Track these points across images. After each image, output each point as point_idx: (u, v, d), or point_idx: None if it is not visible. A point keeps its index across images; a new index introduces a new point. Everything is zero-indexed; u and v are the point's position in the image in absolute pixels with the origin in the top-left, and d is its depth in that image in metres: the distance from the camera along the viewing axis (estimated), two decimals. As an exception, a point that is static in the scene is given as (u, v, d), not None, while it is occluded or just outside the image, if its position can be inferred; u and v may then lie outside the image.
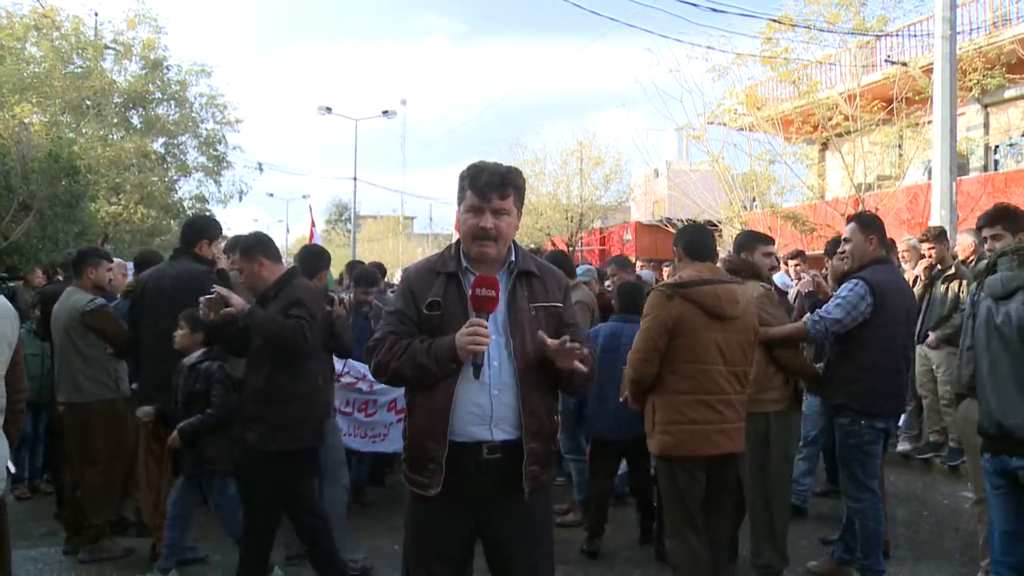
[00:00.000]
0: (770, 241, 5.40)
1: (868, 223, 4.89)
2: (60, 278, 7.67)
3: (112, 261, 5.94)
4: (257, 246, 4.62)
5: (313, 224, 13.73)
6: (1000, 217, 4.54)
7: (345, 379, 6.13)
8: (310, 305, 4.40)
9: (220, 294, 4.43)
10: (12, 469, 3.96)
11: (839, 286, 4.94)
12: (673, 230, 19.62)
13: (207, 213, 25.29)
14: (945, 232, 7.67)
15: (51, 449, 6.95)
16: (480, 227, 2.83)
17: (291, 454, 4.38)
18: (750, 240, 5.25)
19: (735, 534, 5.13)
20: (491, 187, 2.83)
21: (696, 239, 4.35)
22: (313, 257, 5.74)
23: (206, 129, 25.36)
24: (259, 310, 4.34)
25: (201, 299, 4.60)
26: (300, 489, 4.51)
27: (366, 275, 7.07)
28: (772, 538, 4.75)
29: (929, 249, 7.29)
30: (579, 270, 7.65)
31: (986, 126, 17.11)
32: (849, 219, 5.13)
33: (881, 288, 4.62)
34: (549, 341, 2.79)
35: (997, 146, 16.97)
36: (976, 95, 15.28)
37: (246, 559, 4.45)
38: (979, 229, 4.76)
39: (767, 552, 4.73)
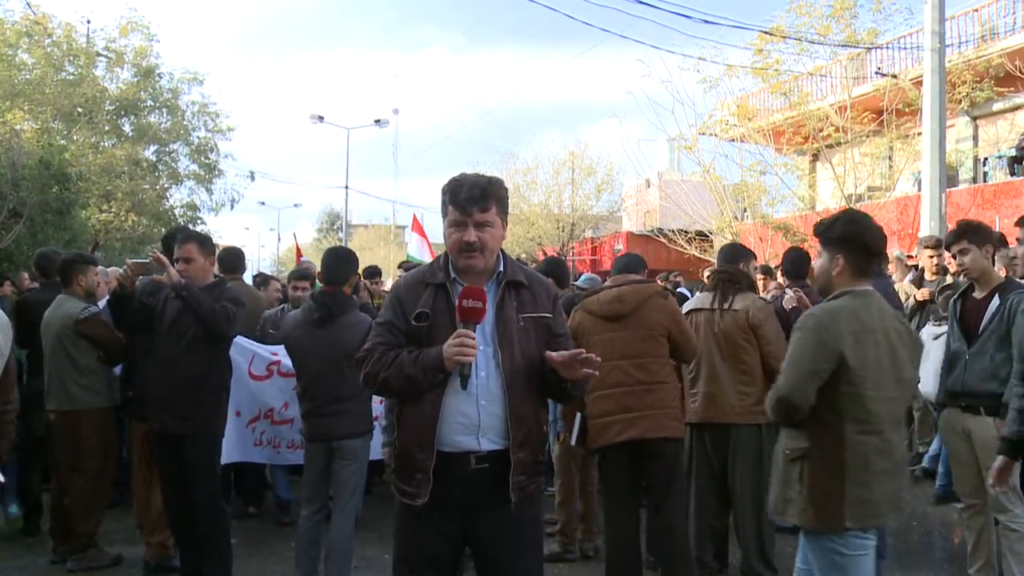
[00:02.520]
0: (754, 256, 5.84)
1: None
2: (37, 284, 7.56)
3: (96, 265, 5.93)
4: (212, 245, 5.04)
5: (299, 253, 13.53)
6: (964, 232, 4.60)
7: None
8: (242, 305, 4.91)
9: (158, 259, 4.62)
10: (2, 479, 3.94)
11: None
12: (665, 240, 19.79)
13: (199, 221, 25.32)
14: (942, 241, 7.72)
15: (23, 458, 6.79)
16: (464, 241, 2.85)
17: (217, 436, 4.86)
18: (743, 253, 5.52)
19: (724, 543, 5.14)
20: (471, 201, 2.84)
21: (621, 261, 5.00)
22: (340, 262, 4.90)
23: (198, 137, 25.29)
24: (195, 287, 4.65)
25: (128, 260, 4.81)
26: (216, 471, 4.97)
27: (299, 272, 7.07)
28: (761, 548, 4.77)
29: (931, 257, 7.36)
30: (582, 279, 7.68)
31: (975, 138, 17.22)
32: None
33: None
34: (556, 357, 2.80)
35: (986, 158, 17.09)
36: (965, 107, 15.40)
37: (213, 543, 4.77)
38: (947, 247, 4.80)
39: (756, 562, 4.75)
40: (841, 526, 3.08)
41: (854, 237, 3.25)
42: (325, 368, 4.63)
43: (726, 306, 4.85)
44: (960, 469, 4.65)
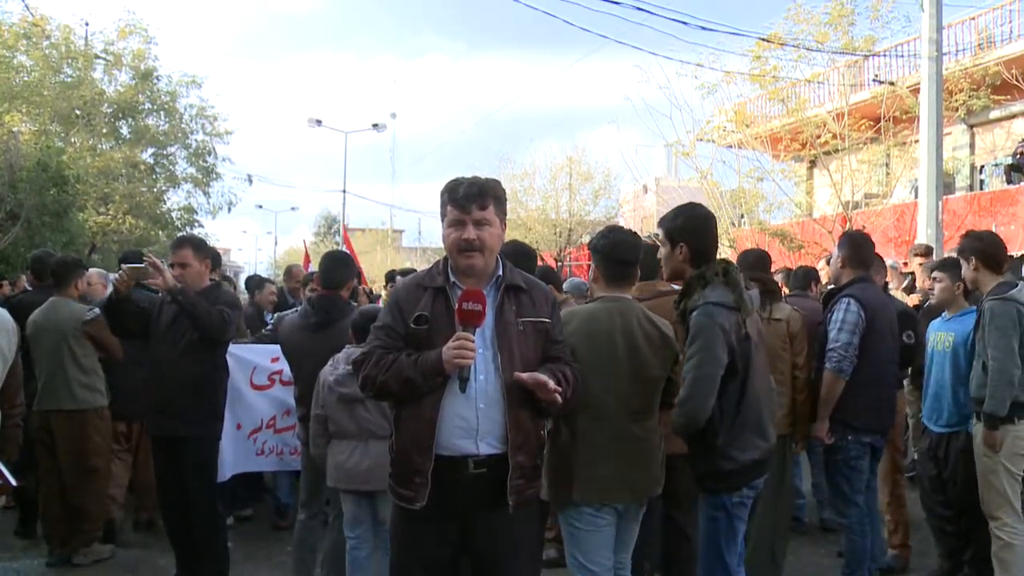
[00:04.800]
0: None
1: (842, 243, 5.00)
2: (29, 286, 7.54)
3: (86, 269, 5.98)
4: (208, 248, 5.06)
5: (308, 259, 13.71)
6: (960, 250, 4.78)
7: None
8: (238, 309, 4.93)
9: (154, 264, 4.60)
10: (13, 483, 3.95)
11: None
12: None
13: (196, 224, 25.32)
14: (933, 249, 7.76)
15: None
16: (463, 239, 2.86)
17: (214, 439, 4.87)
18: (767, 260, 5.50)
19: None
20: (470, 198, 2.86)
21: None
22: (338, 266, 4.86)
23: (196, 140, 25.29)
24: (190, 292, 4.65)
25: (124, 266, 4.81)
26: (213, 474, 4.93)
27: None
28: (772, 556, 4.77)
29: (922, 264, 7.40)
30: (566, 284, 7.65)
31: (972, 146, 17.26)
32: (842, 236, 5.23)
33: (869, 304, 4.69)
34: (525, 378, 2.82)
35: (983, 166, 17.12)
36: (962, 115, 15.41)
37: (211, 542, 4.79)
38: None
39: (767, 567, 4.73)
40: (569, 500, 3.43)
41: (600, 248, 3.63)
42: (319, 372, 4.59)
43: (766, 315, 4.68)
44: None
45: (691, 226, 3.62)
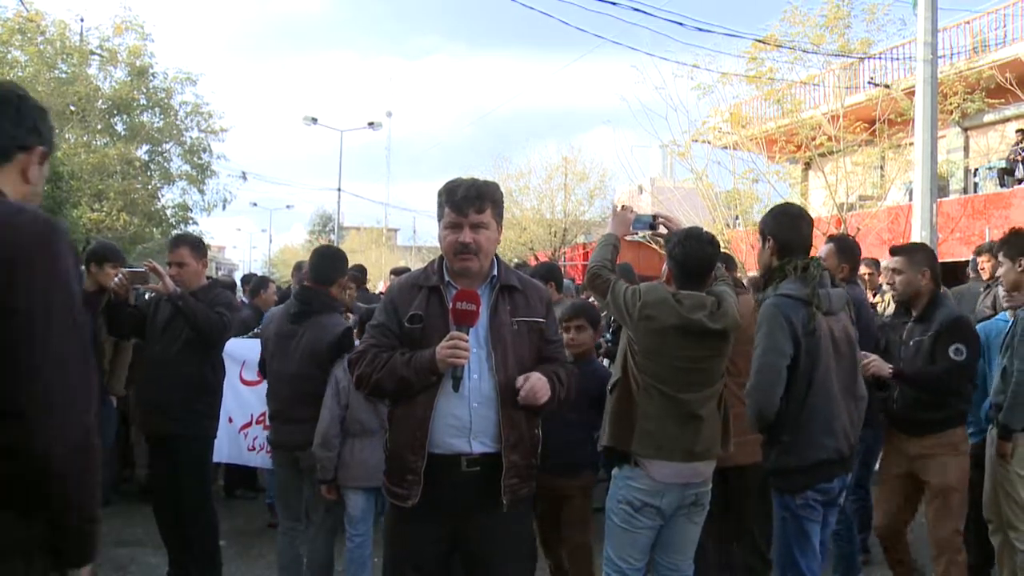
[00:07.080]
0: None
1: (845, 249, 4.91)
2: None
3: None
4: (204, 248, 5.03)
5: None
6: (1001, 244, 4.52)
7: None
8: (236, 310, 4.99)
9: (154, 269, 4.61)
10: None
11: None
12: (657, 247, 19.79)
13: (191, 222, 25.25)
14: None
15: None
16: (460, 242, 2.86)
17: (209, 439, 4.87)
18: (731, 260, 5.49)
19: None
20: (468, 201, 2.86)
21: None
22: (328, 261, 4.75)
23: (190, 137, 25.17)
24: (189, 296, 4.63)
25: (122, 270, 4.83)
26: (208, 473, 4.98)
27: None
28: (756, 548, 4.77)
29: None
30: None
31: (966, 149, 17.33)
32: (829, 238, 5.16)
33: (864, 306, 4.68)
34: (521, 394, 2.84)
35: (977, 169, 17.18)
36: (956, 119, 15.46)
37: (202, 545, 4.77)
38: (992, 253, 4.79)
39: (752, 557, 4.73)
40: (629, 446, 3.52)
41: (675, 256, 3.72)
42: (290, 365, 4.43)
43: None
44: (988, 485, 4.53)
45: (779, 221, 3.78)
